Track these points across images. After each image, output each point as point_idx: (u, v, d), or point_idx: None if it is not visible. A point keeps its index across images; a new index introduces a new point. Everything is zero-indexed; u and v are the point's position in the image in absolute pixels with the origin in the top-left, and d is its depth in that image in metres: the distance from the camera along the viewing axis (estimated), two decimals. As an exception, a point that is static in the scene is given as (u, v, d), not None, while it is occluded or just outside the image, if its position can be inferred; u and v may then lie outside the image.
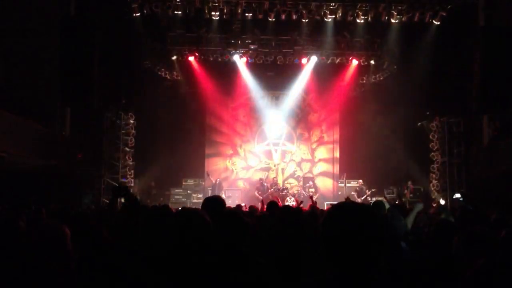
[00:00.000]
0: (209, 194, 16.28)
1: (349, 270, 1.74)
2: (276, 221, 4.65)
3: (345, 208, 1.85)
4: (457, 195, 9.81)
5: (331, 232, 1.79)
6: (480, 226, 3.32)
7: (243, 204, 10.09)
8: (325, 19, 14.66)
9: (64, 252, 1.96)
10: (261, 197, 14.69)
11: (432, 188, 15.86)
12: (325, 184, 17.44)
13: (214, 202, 3.37)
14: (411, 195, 15.41)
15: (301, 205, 9.69)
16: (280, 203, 9.35)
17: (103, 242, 2.93)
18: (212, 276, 2.18)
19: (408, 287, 3.13)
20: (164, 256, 2.21)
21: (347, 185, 16.39)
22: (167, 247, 2.22)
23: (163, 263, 2.19)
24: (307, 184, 16.58)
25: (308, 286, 1.84)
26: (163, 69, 16.56)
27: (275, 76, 17.19)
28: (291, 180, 17.64)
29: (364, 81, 17.28)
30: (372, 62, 16.27)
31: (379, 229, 1.78)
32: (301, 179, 17.16)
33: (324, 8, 14.27)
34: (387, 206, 6.07)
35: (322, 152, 17.97)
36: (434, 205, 12.39)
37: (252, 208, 7.49)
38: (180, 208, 3.41)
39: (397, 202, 8.45)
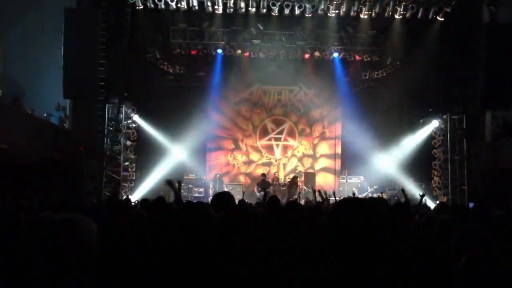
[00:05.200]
0: (210, 188, 16.33)
1: (355, 265, 1.75)
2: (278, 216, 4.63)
3: (351, 204, 1.87)
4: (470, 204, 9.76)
5: (338, 227, 1.80)
6: (477, 224, 3.29)
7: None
8: (329, 14, 14.63)
9: (88, 253, 1.69)
10: (258, 194, 14.64)
11: (434, 185, 15.83)
12: (326, 180, 17.42)
13: (223, 197, 3.36)
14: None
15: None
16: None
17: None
18: (217, 271, 2.17)
19: (411, 281, 3.12)
20: (169, 252, 2.20)
21: (348, 180, 16.36)
22: (172, 242, 2.20)
23: (169, 258, 2.17)
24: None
25: (314, 281, 1.84)
26: (165, 63, 16.51)
27: (277, 71, 17.14)
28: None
29: (367, 77, 17.19)
30: (375, 58, 16.21)
31: (385, 224, 1.79)
32: (303, 175, 17.12)
33: (328, 3, 14.23)
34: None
35: (324, 147, 17.94)
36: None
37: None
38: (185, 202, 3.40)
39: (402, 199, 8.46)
